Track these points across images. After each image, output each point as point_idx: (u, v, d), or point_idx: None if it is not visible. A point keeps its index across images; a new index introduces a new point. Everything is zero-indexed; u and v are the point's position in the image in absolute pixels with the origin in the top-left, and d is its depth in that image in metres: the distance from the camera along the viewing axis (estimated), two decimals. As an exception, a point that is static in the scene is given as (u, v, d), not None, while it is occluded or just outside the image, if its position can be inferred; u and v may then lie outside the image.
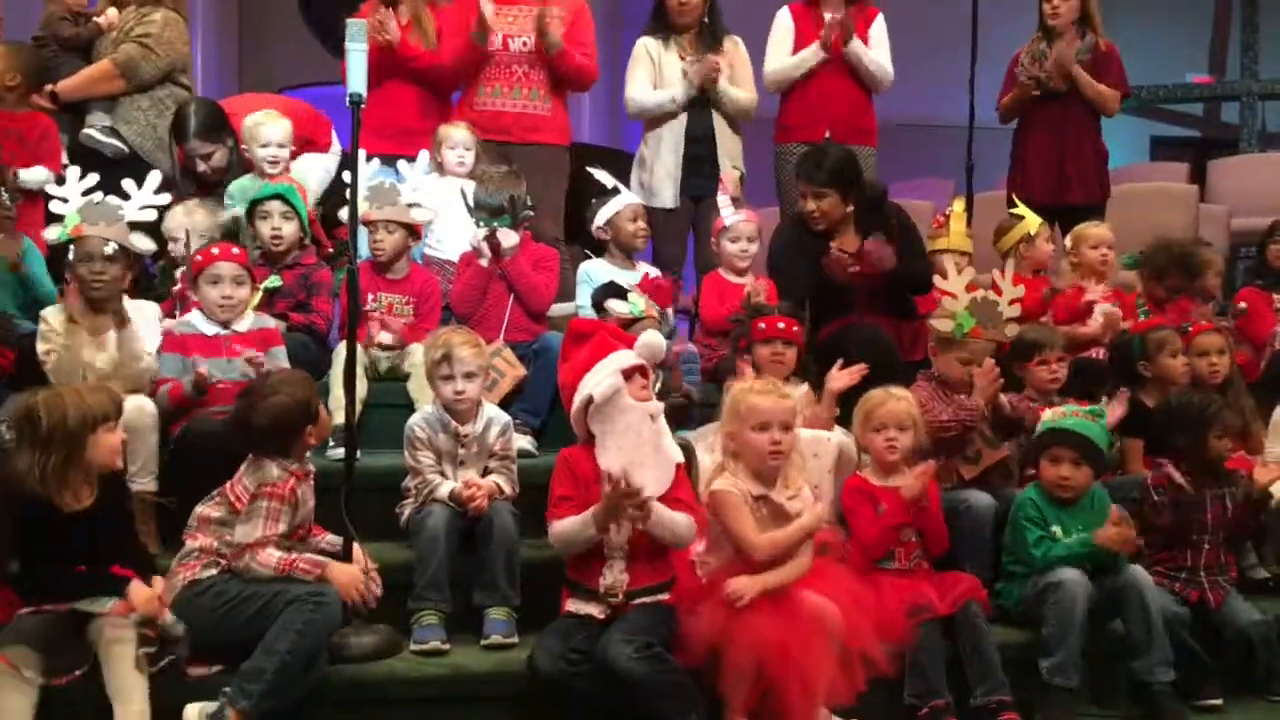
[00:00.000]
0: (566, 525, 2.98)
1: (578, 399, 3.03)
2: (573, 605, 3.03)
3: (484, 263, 4.18)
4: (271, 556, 2.91)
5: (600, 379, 2.99)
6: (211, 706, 2.73)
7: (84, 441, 2.81)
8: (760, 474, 3.08)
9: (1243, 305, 4.84)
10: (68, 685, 2.72)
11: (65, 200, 3.69)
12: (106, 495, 2.89)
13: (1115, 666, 3.36)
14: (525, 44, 4.94)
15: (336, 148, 4.96)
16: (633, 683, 2.79)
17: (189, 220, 4.24)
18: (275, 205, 4.15)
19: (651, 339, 3.06)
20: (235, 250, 3.73)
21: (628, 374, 3.01)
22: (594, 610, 2.99)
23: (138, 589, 2.79)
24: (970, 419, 3.62)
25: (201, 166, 4.55)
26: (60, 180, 3.88)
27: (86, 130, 4.77)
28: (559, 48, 4.88)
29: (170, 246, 4.28)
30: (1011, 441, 3.76)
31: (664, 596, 3.02)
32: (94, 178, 3.77)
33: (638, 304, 3.99)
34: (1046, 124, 5.31)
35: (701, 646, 2.92)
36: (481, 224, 4.18)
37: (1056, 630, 3.24)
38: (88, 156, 4.58)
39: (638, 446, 2.94)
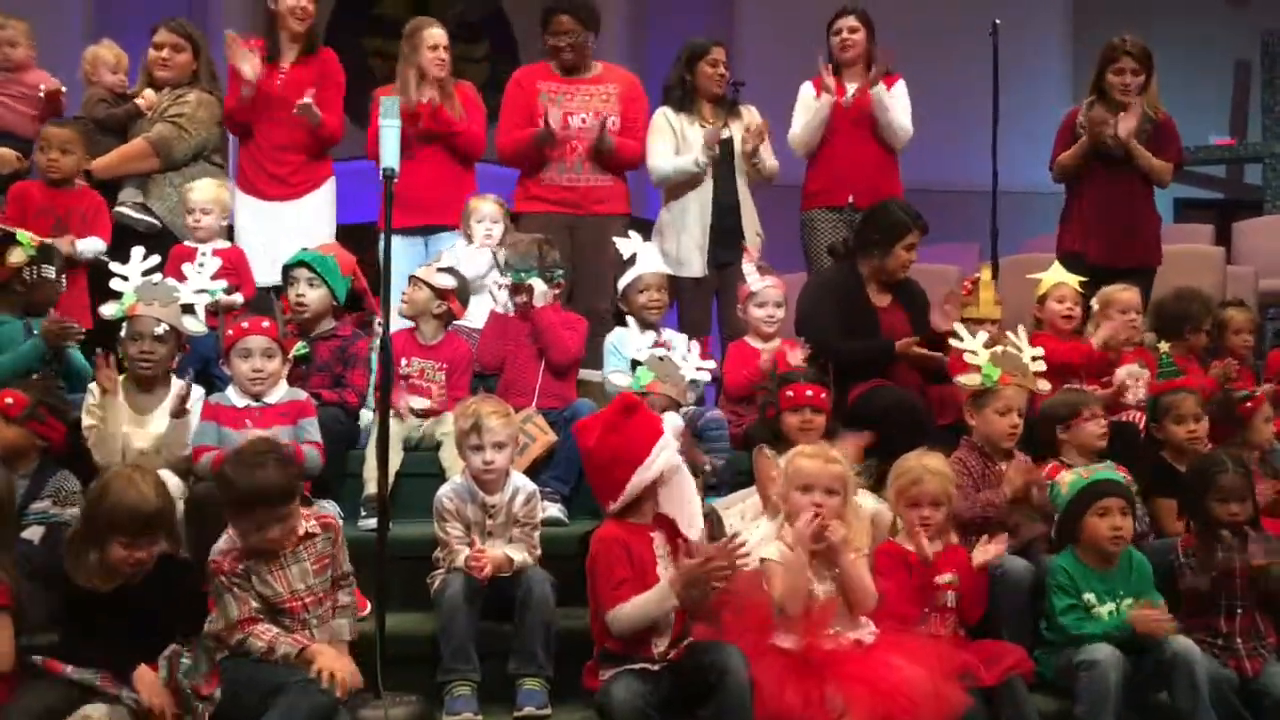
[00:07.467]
0: (643, 602, 2.94)
1: (644, 476, 3.01)
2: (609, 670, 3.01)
3: (504, 309, 4.20)
4: (267, 631, 2.95)
5: (666, 456, 3.03)
6: None
7: (102, 537, 2.87)
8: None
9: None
10: None
11: (126, 279, 3.77)
12: (142, 586, 2.93)
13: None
14: (584, 120, 5.05)
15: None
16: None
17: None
18: (302, 272, 4.16)
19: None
20: (265, 324, 3.76)
21: None
22: (647, 664, 2.99)
23: (143, 675, 2.84)
24: (991, 515, 3.58)
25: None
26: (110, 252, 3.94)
27: (119, 207, 4.83)
28: (611, 148, 5.01)
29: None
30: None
31: None
32: (156, 258, 3.85)
33: (642, 378, 3.97)
34: (1109, 186, 5.12)
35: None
36: (509, 275, 4.21)
37: (1089, 710, 3.19)
38: (119, 232, 4.67)
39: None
